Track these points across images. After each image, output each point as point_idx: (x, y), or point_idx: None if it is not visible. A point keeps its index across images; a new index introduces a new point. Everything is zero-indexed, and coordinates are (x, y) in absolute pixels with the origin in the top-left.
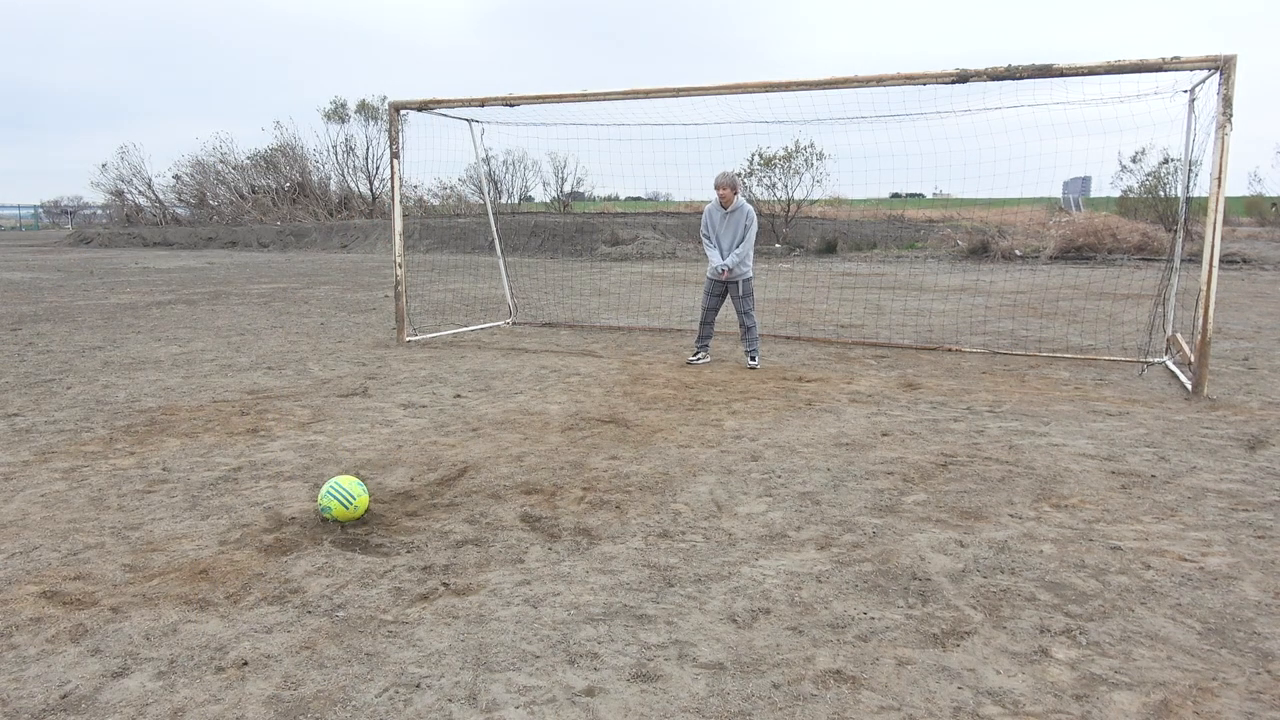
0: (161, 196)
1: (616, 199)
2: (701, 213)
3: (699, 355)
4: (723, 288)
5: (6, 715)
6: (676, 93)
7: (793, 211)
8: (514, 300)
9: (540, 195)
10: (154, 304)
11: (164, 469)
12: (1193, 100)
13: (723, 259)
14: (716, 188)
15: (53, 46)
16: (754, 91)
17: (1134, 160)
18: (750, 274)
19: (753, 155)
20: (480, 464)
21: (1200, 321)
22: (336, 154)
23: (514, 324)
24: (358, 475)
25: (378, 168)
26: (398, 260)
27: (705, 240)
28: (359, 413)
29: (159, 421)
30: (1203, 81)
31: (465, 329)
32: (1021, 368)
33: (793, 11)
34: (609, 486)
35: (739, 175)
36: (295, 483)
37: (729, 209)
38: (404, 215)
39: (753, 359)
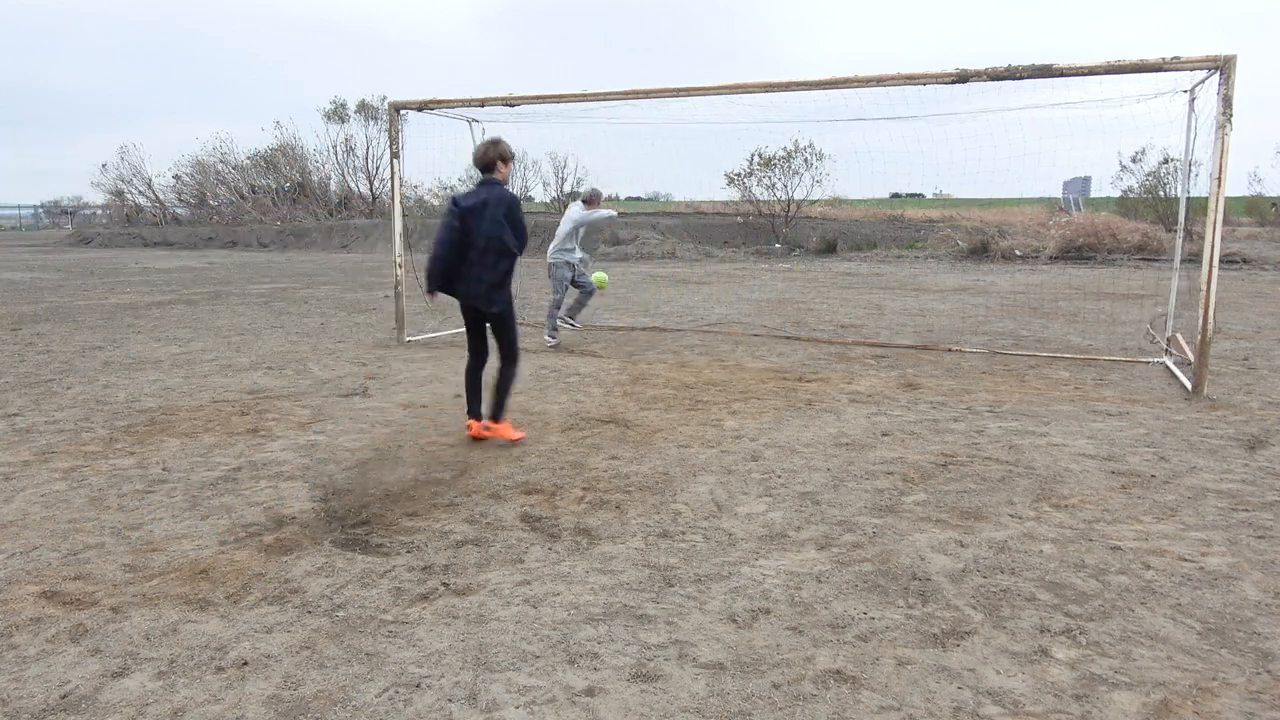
0: (161, 196)
1: (616, 199)
2: (703, 213)
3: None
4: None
5: (6, 715)
6: (676, 93)
7: (793, 211)
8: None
9: (540, 195)
10: (154, 304)
11: (164, 469)
12: (1193, 100)
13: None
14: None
15: (53, 46)
16: (754, 91)
17: (1134, 160)
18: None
19: (752, 155)
20: (480, 464)
21: (1200, 321)
22: (336, 154)
23: None
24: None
25: (378, 168)
26: (398, 260)
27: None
28: (359, 413)
29: (159, 421)
30: (1203, 81)
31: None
32: (1021, 368)
33: (793, 11)
34: (609, 486)
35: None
36: (295, 483)
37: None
38: (404, 215)
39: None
